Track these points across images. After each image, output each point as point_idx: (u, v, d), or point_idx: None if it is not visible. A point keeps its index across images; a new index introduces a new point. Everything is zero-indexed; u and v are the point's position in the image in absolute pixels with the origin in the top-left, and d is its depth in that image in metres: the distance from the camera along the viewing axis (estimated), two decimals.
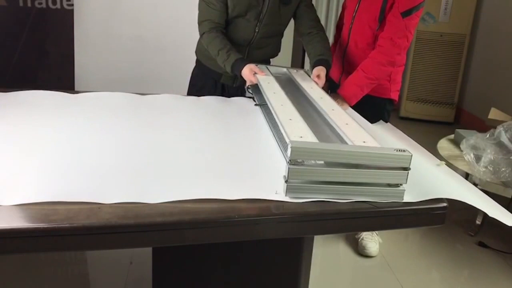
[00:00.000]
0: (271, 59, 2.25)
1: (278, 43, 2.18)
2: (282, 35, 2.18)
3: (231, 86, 2.17)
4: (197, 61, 2.25)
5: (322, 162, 1.19)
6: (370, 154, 1.17)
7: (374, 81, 2.03)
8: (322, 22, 4.42)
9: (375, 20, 2.04)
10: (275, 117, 1.47)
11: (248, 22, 1.99)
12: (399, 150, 1.18)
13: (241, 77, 1.93)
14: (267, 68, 2.01)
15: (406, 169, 1.17)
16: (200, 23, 2.03)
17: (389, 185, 1.20)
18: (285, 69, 2.10)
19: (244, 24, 2.00)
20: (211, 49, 2.00)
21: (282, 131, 1.32)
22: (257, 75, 1.87)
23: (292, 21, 2.15)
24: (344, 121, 1.43)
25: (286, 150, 1.18)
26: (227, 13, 1.98)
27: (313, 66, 2.01)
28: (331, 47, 2.40)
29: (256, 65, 1.92)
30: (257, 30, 2.02)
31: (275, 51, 2.20)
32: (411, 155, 1.17)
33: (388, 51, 1.98)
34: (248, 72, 1.88)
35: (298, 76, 1.97)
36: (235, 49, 1.96)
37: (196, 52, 2.24)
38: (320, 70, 1.92)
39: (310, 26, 2.09)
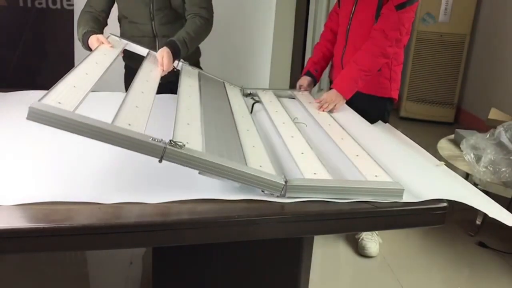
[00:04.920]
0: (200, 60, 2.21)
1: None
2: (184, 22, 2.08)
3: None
4: (125, 64, 2.21)
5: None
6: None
7: (367, 73, 2.00)
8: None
9: (373, 17, 2.04)
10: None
11: (140, 9, 2.00)
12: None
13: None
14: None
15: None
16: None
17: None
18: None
19: (138, 12, 2.02)
20: (78, 24, 1.98)
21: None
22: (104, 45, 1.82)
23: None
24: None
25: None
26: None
27: None
28: (315, 46, 2.37)
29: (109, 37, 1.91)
30: (152, 17, 2.01)
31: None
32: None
33: (381, 42, 1.98)
34: (95, 40, 1.84)
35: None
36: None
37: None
38: (162, 51, 1.79)
39: (189, 10, 2.01)
